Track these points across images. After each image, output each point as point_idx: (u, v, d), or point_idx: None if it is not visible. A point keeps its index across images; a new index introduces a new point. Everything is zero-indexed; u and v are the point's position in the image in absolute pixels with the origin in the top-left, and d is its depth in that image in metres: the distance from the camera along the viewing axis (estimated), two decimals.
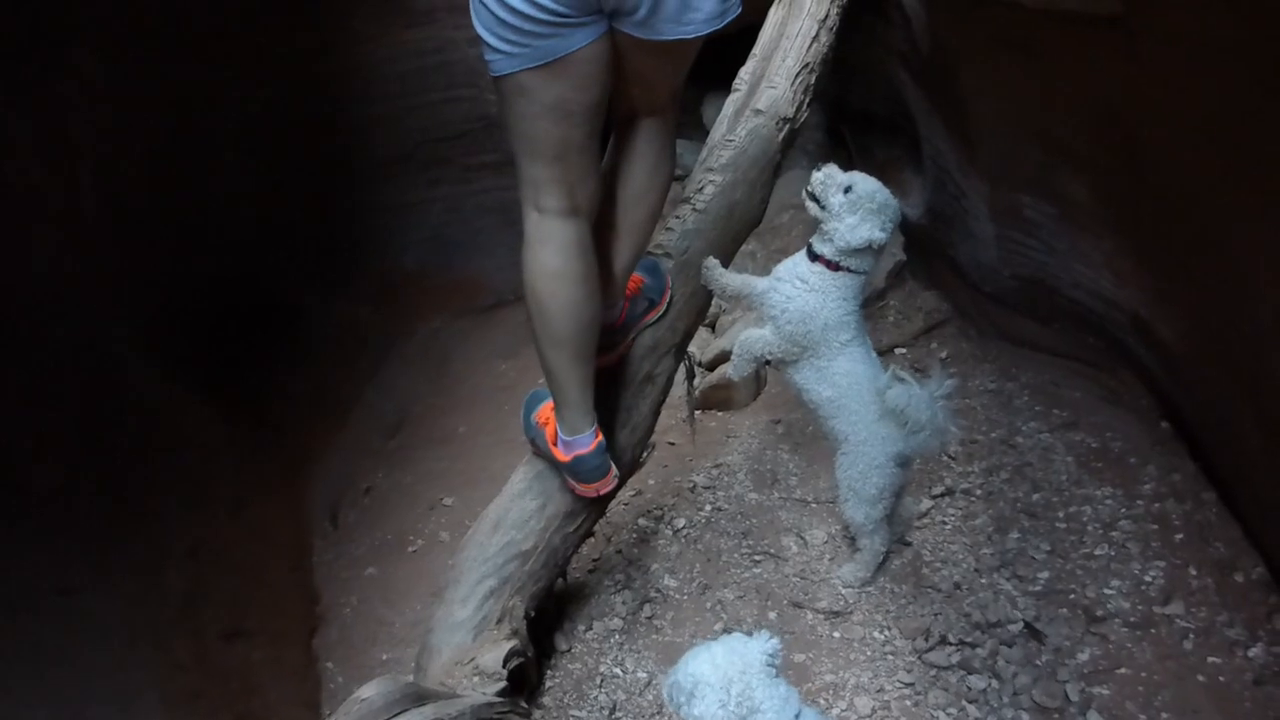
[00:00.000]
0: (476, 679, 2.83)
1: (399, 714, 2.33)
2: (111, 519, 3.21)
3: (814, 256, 3.04)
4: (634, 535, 3.92)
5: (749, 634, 2.25)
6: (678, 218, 3.63)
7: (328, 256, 5.19)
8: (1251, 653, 3.02)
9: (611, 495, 3.29)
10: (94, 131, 3.90)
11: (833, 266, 3.01)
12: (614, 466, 3.11)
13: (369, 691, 2.37)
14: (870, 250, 3.05)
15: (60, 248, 3.61)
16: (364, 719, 2.31)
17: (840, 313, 3.06)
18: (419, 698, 2.45)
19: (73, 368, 3.51)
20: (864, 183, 3.03)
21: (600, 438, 3.04)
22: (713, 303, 5.18)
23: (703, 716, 2.14)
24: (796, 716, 2.20)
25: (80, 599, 2.80)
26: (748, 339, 3.28)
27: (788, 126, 3.83)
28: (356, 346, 5.02)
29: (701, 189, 3.68)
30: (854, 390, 3.14)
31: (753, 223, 3.90)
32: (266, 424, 4.35)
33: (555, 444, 3.07)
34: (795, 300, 3.07)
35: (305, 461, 4.49)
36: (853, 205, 2.98)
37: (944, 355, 4.71)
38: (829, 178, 3.05)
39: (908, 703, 3.04)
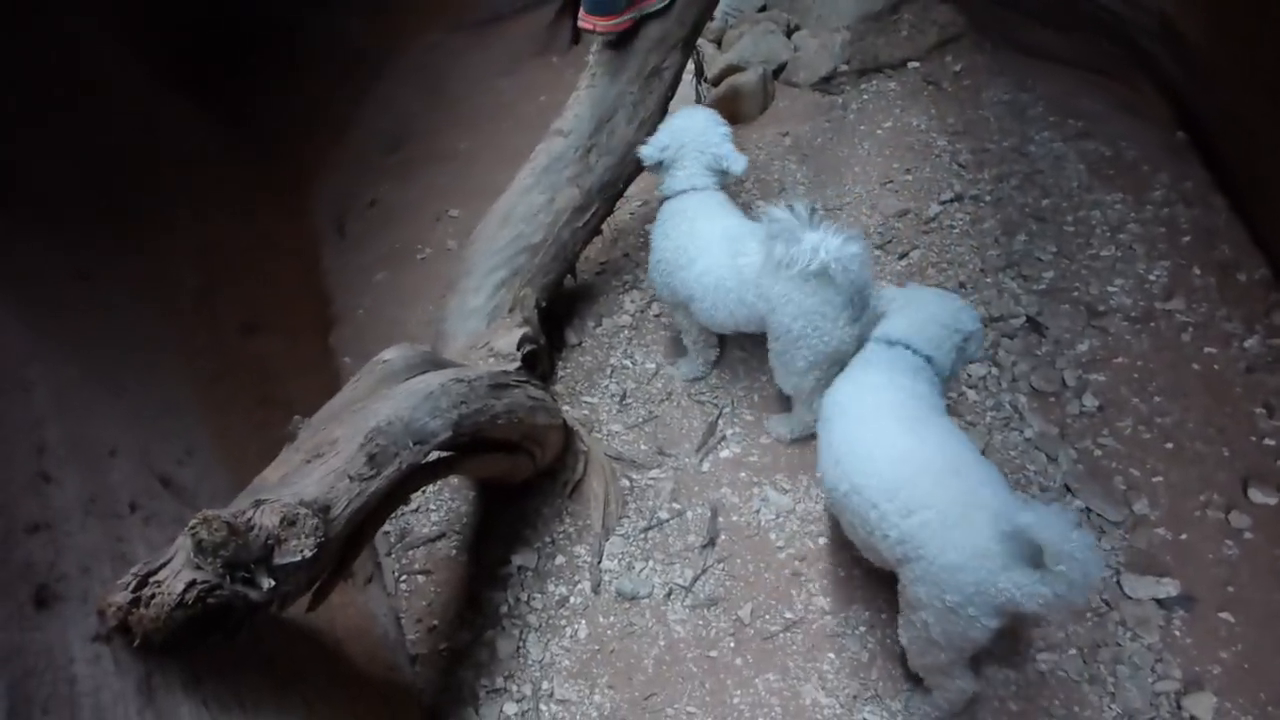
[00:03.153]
0: (492, 360, 2.89)
1: (419, 374, 2.37)
2: (118, 214, 3.18)
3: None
4: (641, 239, 3.91)
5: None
6: None
7: None
8: (1247, 344, 3.11)
9: (617, 37, 3.28)
10: None
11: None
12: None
13: (390, 354, 2.42)
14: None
15: None
16: (386, 379, 2.36)
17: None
18: (438, 363, 2.51)
19: (63, 73, 3.38)
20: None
21: None
22: (719, 14, 5.02)
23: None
24: None
25: (97, 284, 2.80)
26: None
27: None
28: (350, 61, 4.82)
29: None
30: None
31: None
32: (264, 135, 4.24)
33: None
34: None
35: (307, 173, 4.42)
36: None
37: (957, 68, 4.55)
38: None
39: None
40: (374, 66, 4.97)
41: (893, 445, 2.20)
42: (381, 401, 2.19)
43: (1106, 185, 3.73)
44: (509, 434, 2.62)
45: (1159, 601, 2.57)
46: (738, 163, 3.05)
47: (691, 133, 3.04)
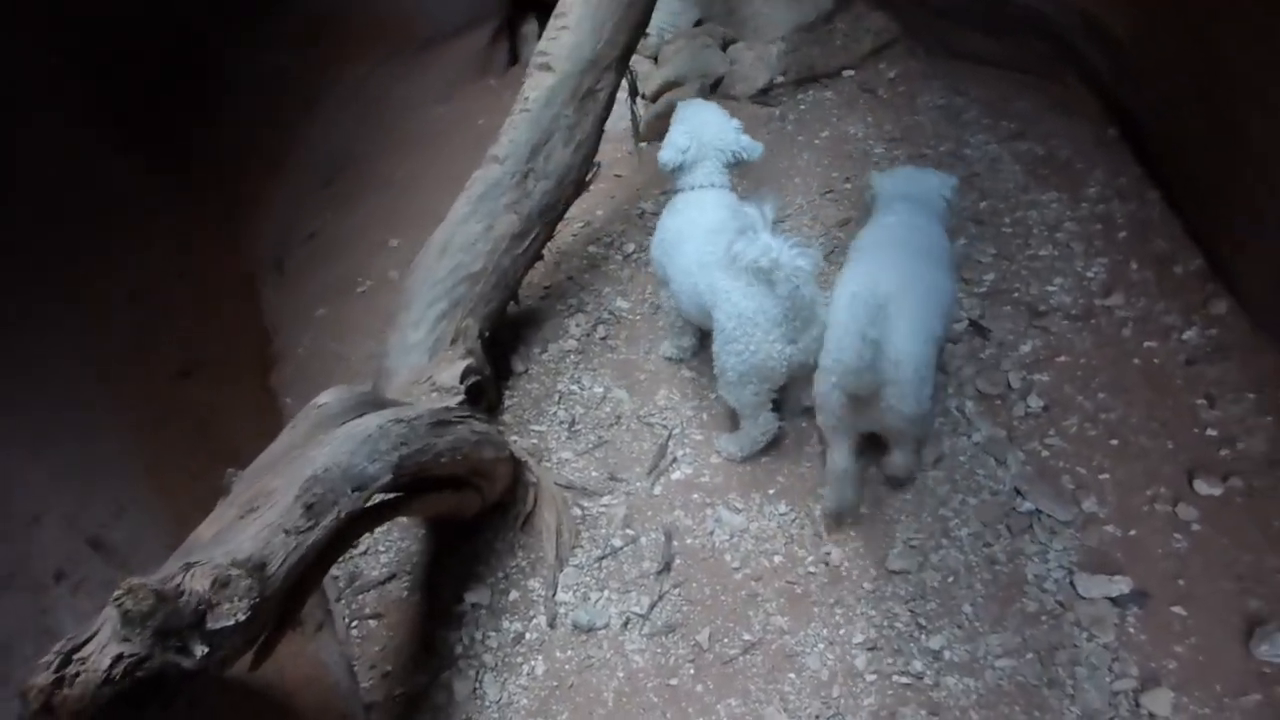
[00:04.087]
0: (434, 395, 2.84)
1: (357, 417, 2.32)
2: (43, 261, 3.10)
3: None
4: (584, 261, 3.89)
5: None
6: None
7: None
8: (1185, 336, 3.14)
9: None
10: None
11: None
12: None
13: (326, 398, 2.37)
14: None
15: None
16: (322, 423, 2.30)
17: None
18: (377, 404, 2.46)
19: None
20: None
21: None
22: (654, 30, 5.01)
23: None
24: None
25: (21, 336, 2.72)
26: None
27: None
28: (283, 93, 4.74)
29: None
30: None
31: None
32: (198, 172, 4.16)
33: None
34: None
35: (244, 208, 4.34)
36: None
37: (892, 75, 4.58)
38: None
39: None
40: (308, 96, 4.89)
41: (876, 257, 2.74)
42: (318, 448, 2.14)
43: (1042, 185, 3.76)
44: (454, 471, 2.58)
45: (1112, 600, 2.58)
46: (755, 150, 3.20)
47: (709, 131, 3.15)
